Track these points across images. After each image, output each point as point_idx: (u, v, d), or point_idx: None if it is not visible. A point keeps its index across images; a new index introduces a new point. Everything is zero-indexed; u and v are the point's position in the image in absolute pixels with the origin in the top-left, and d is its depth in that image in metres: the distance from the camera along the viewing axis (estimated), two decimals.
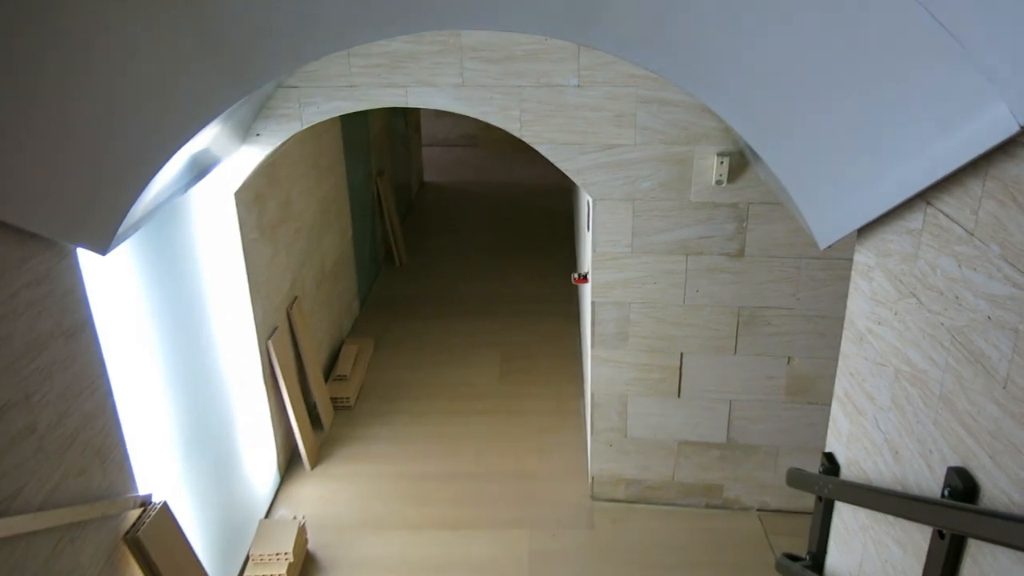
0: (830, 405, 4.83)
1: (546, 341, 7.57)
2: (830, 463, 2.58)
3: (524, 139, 4.45)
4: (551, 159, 4.50)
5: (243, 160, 4.75)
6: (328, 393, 6.46)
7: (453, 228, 10.87)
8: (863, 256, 2.28)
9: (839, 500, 2.49)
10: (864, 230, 2.24)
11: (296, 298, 6.01)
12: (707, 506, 5.35)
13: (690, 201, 4.51)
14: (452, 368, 7.15)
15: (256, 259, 5.22)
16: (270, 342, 5.36)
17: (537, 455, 5.93)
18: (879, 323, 2.16)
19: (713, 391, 5.00)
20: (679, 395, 5.02)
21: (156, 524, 3.46)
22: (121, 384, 3.54)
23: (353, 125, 7.92)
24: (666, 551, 4.99)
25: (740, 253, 4.60)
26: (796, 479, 2.82)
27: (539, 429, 6.24)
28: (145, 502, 3.48)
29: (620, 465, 5.29)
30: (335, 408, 6.51)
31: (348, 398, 6.53)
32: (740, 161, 4.38)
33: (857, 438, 2.36)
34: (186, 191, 4.07)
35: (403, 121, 10.82)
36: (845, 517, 2.48)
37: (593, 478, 5.38)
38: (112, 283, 3.57)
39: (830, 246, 2.42)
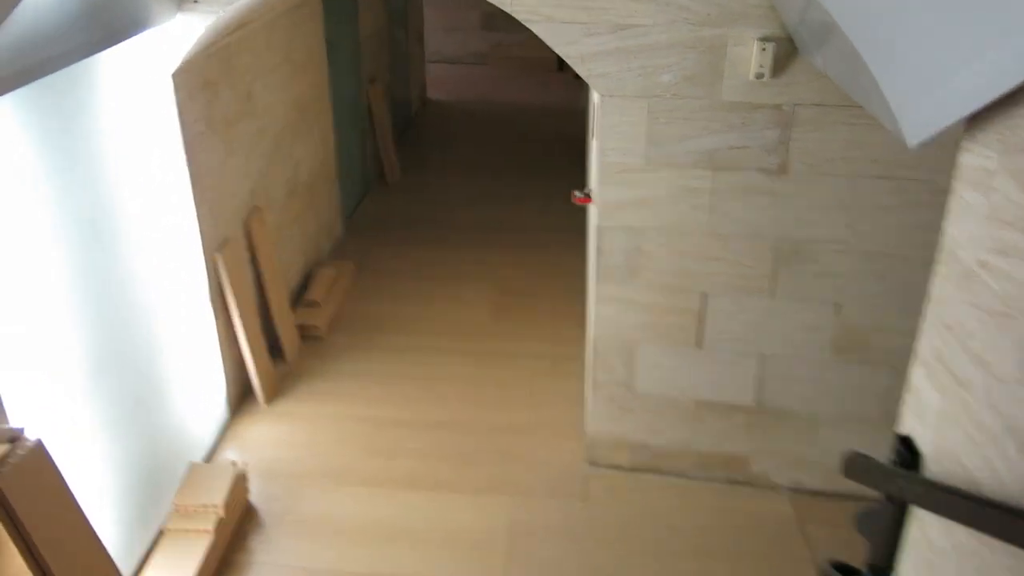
0: (887, 367, 4.08)
1: (548, 276, 6.74)
2: (907, 451, 1.80)
3: (516, 15, 3.55)
4: (549, 42, 3.61)
5: (181, 35, 3.93)
6: (294, 320, 5.70)
7: (455, 149, 10.02)
8: (977, 157, 1.54)
9: (928, 510, 1.70)
10: (980, 117, 1.51)
11: (256, 208, 5.20)
12: (728, 482, 4.51)
13: (721, 100, 3.61)
14: (440, 301, 6.36)
15: (203, 157, 4.42)
16: (219, 255, 4.58)
17: (527, 407, 5.15)
18: (1002, 253, 1.43)
19: (741, 342, 4.13)
20: (699, 345, 4.17)
21: (24, 466, 2.74)
22: None
23: (338, 21, 7.02)
24: (675, 533, 4.19)
25: (782, 169, 3.71)
26: (858, 470, 1.99)
27: (533, 375, 5.46)
28: (14, 438, 2.77)
29: (624, 426, 4.48)
30: (303, 338, 5.75)
31: (318, 327, 5.78)
32: (787, 49, 3.46)
33: (954, 419, 1.61)
34: (88, 55, 3.26)
35: (403, 30, 9.96)
36: (930, 531, 1.72)
37: (591, 439, 4.59)
38: None
39: (922, 143, 1.73)
